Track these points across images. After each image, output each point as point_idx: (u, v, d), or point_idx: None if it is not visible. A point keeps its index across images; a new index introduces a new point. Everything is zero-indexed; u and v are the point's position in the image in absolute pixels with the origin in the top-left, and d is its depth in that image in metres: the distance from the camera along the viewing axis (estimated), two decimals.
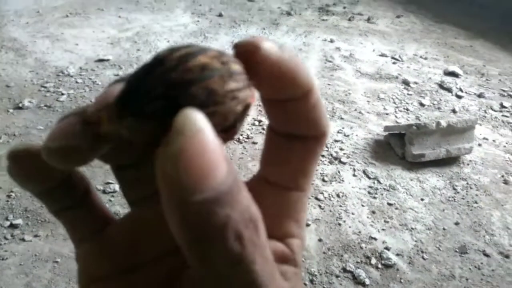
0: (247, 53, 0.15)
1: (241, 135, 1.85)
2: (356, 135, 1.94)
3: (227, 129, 0.15)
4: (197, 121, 0.12)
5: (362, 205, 1.55)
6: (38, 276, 1.22)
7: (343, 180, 1.66)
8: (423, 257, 1.37)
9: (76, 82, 2.19)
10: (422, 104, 2.24)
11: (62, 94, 2.07)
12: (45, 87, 2.12)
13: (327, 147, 1.85)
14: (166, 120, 0.13)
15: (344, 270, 1.30)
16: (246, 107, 0.15)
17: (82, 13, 3.07)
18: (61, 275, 1.22)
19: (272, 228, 0.17)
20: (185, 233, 0.12)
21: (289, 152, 0.18)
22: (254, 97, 0.16)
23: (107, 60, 2.43)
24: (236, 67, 0.15)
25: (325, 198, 1.57)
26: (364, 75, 2.50)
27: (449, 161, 1.80)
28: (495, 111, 2.26)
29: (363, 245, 1.39)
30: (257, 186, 0.18)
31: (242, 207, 0.12)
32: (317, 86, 0.16)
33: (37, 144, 0.16)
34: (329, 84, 2.36)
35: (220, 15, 3.24)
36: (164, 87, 0.13)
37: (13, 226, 1.36)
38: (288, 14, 3.42)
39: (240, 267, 0.12)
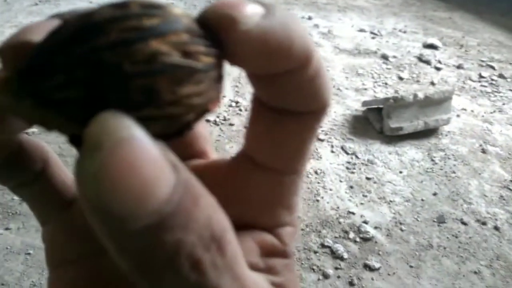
0: (221, 31, 0.11)
1: (218, 116, 1.82)
2: (335, 112, 1.92)
3: (169, 135, 0.11)
4: (122, 128, 0.09)
5: (340, 181, 1.54)
6: (10, 269, 1.19)
7: (321, 157, 1.65)
8: (401, 229, 1.37)
9: None
10: (401, 78, 2.22)
11: None
12: None
13: None
14: (81, 116, 0.10)
15: (322, 245, 1.29)
16: (202, 114, 0.12)
17: (51, 0, 2.97)
18: (34, 267, 1.20)
19: (260, 216, 0.15)
20: (127, 265, 0.09)
21: (282, 130, 0.15)
22: (218, 102, 0.12)
23: None
24: (205, 61, 0.11)
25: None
26: (342, 51, 2.47)
27: (427, 133, 1.80)
28: (473, 81, 2.25)
29: (341, 220, 1.38)
30: (241, 167, 0.16)
31: (199, 225, 0.10)
32: (317, 52, 0.13)
33: None
34: None
35: None
36: (88, 71, 0.10)
37: None
38: None
39: None
